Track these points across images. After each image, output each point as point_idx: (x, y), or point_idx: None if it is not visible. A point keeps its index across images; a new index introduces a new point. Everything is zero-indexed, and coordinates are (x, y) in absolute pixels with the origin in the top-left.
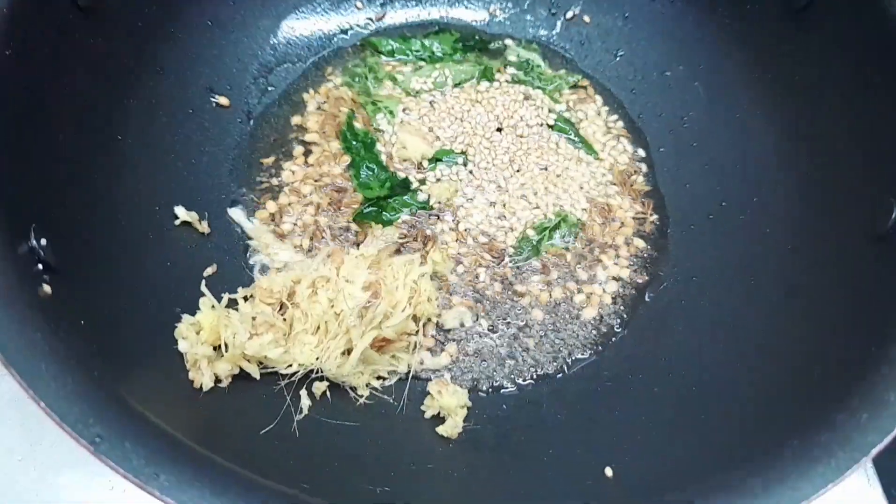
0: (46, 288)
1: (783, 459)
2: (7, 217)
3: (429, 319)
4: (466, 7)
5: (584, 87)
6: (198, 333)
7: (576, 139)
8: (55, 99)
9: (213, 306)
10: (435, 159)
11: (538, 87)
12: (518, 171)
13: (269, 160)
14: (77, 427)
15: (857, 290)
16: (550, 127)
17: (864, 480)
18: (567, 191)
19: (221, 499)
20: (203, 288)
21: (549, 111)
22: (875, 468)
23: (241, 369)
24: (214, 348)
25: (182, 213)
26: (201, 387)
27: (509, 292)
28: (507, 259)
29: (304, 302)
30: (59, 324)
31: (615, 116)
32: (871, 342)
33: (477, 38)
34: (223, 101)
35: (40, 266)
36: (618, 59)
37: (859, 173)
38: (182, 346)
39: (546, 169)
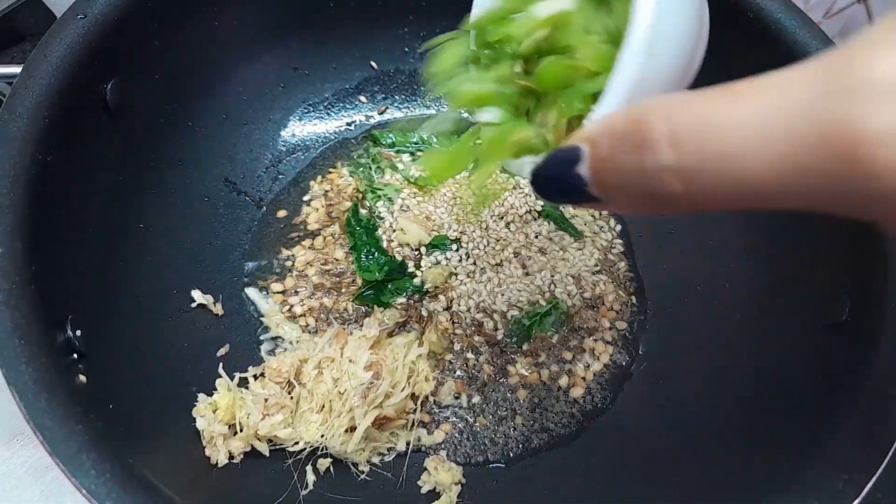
0: (82, 378)
1: None
2: (46, 312)
3: (426, 397)
4: None
5: None
6: (214, 412)
7: (563, 224)
8: (85, 195)
9: (228, 388)
10: (431, 245)
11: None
12: (508, 257)
13: (278, 245)
14: None
15: (813, 375)
16: (539, 213)
17: None
18: (554, 276)
19: None
20: (220, 370)
21: (537, 198)
22: None
23: (253, 446)
24: (228, 426)
25: (198, 296)
26: (216, 463)
27: (500, 373)
28: (498, 343)
29: (311, 382)
30: (94, 413)
31: None
32: (822, 429)
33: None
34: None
35: (75, 356)
36: None
37: (817, 267)
38: (200, 423)
39: (536, 255)
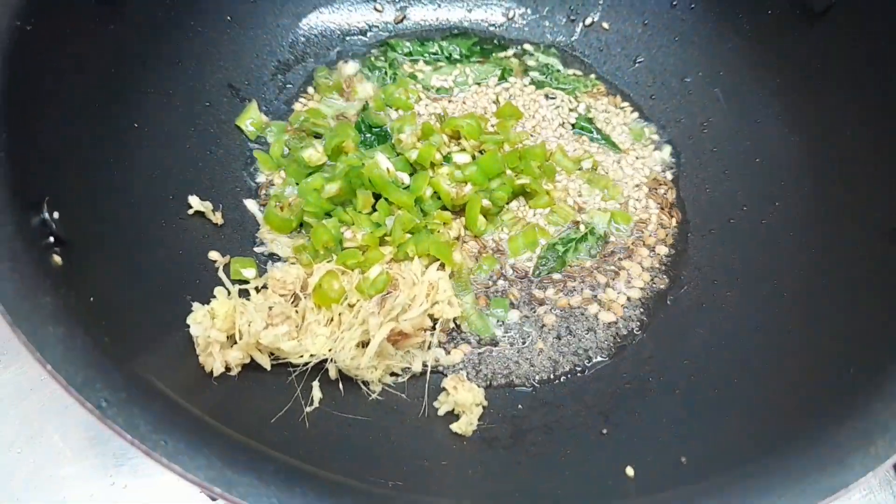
0: (57, 258)
1: (820, 447)
2: (21, 188)
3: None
4: (485, 11)
5: (604, 93)
6: (213, 320)
7: (598, 137)
8: (73, 81)
9: (228, 294)
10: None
11: (558, 88)
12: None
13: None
14: (84, 391)
15: (881, 289)
16: (572, 125)
17: (890, 497)
18: (593, 194)
19: (232, 467)
20: (221, 274)
21: (570, 110)
22: None
23: (252, 359)
24: (227, 337)
25: (196, 202)
26: (211, 373)
27: (527, 296)
28: (528, 274)
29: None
30: (68, 293)
31: (635, 122)
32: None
33: (495, 42)
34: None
35: (52, 239)
36: (637, 65)
37: (878, 174)
38: (194, 329)
39: (571, 171)
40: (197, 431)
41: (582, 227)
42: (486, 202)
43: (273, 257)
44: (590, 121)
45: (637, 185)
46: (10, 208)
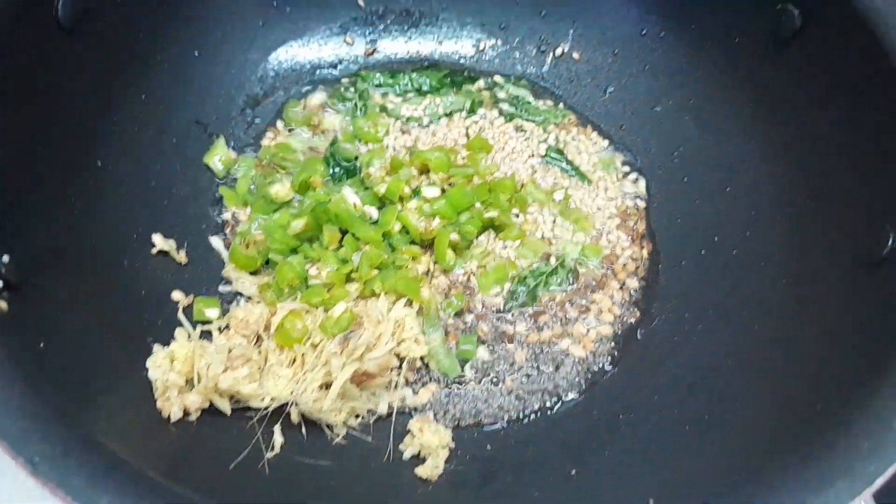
0: (2, 304)
1: (782, 490)
2: None
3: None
4: (456, 42)
5: (574, 124)
6: (171, 363)
7: (568, 168)
8: (31, 115)
9: (188, 336)
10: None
11: (528, 120)
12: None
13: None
14: (16, 444)
15: (855, 319)
16: (542, 157)
17: None
18: (563, 227)
19: None
20: (180, 316)
21: (540, 142)
22: None
23: (211, 403)
24: (186, 381)
25: (159, 241)
26: (169, 418)
27: (497, 332)
28: (500, 307)
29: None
30: (11, 340)
31: (605, 153)
32: (871, 371)
33: (466, 73)
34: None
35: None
36: (607, 95)
37: (853, 202)
38: (152, 373)
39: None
40: (137, 487)
41: (553, 261)
42: (454, 236)
43: (239, 296)
44: (560, 152)
45: (608, 217)
46: None
